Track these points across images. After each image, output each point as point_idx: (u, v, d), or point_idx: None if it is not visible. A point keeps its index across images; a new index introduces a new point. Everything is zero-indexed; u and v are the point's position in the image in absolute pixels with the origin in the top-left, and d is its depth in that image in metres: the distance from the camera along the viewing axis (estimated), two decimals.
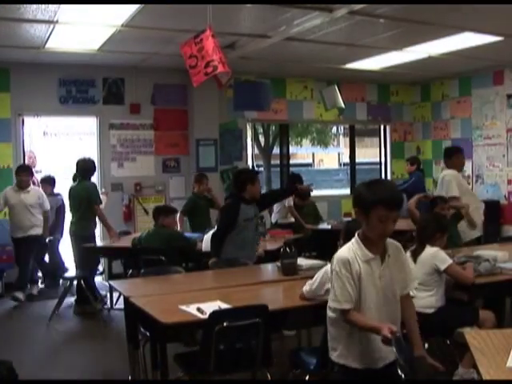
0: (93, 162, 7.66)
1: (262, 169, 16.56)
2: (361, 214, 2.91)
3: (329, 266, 3.74)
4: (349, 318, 2.90)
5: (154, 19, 6.50)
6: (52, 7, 5.89)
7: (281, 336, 5.18)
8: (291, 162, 11.67)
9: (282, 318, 3.83)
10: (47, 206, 7.95)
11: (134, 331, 4.34)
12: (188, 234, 6.93)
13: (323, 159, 33.40)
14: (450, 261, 4.34)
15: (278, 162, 11.59)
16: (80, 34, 7.02)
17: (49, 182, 8.68)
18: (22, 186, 7.72)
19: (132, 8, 5.96)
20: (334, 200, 11.16)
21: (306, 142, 19.84)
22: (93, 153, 9.11)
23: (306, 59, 8.88)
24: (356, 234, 2.97)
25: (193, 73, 4.68)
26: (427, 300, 4.27)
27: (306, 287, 3.84)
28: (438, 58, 8.72)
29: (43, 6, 5.84)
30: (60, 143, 10.42)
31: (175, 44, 7.39)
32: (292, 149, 22.78)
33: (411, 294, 3.19)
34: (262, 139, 15.69)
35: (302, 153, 29.69)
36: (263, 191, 12.03)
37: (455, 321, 4.29)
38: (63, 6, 5.85)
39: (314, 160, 33.40)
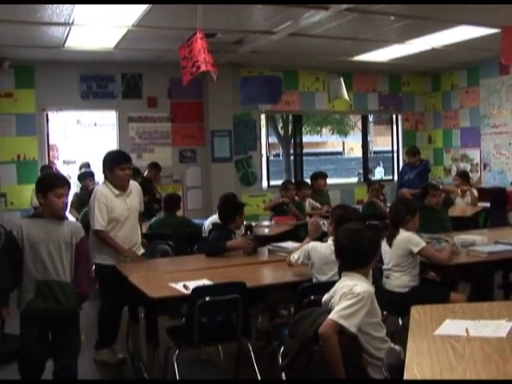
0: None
1: (280, 158, 16.96)
2: None
3: (311, 243, 4.21)
4: None
5: (161, 19, 6.91)
6: (66, 11, 6.39)
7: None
8: (323, 150, 11.99)
9: (261, 294, 4.24)
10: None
11: (134, 307, 4.79)
12: (196, 221, 7.35)
13: (353, 148, 33.58)
14: (423, 244, 4.63)
15: (299, 150, 11.82)
16: (95, 34, 7.51)
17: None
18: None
19: (139, 10, 6.41)
20: (347, 188, 11.52)
21: (325, 131, 20.24)
22: (113, 144, 9.63)
23: (314, 52, 9.20)
24: None
25: (183, 73, 5.13)
26: (400, 280, 4.60)
27: (293, 257, 4.30)
28: (442, 50, 8.93)
29: (57, 10, 6.34)
30: (82, 135, 10.93)
31: None
32: (322, 137, 22.95)
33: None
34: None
35: (332, 141, 29.91)
36: (282, 179, 12.23)
37: (427, 299, 4.60)
38: (76, 9, 6.33)
39: (344, 148, 33.63)
